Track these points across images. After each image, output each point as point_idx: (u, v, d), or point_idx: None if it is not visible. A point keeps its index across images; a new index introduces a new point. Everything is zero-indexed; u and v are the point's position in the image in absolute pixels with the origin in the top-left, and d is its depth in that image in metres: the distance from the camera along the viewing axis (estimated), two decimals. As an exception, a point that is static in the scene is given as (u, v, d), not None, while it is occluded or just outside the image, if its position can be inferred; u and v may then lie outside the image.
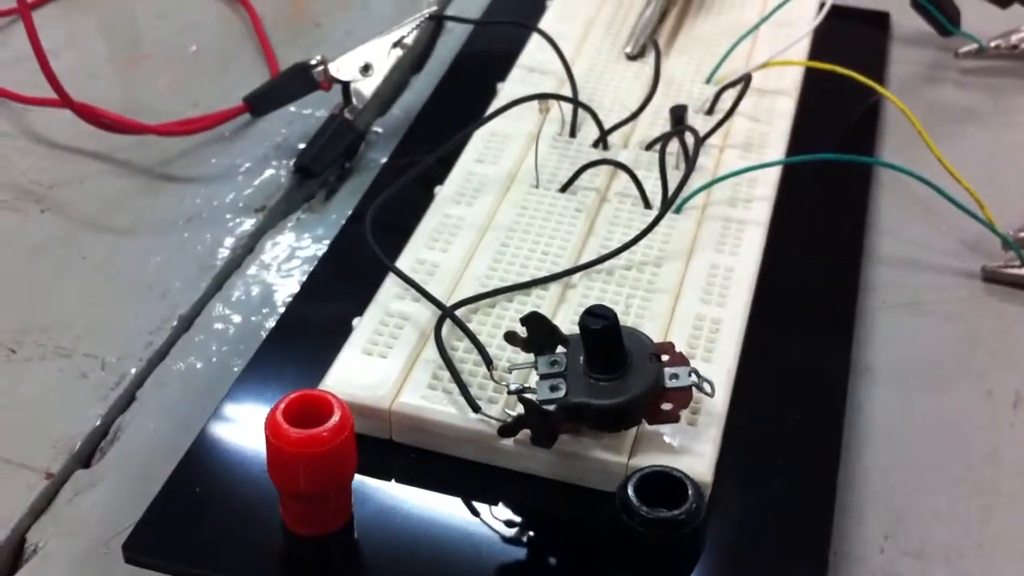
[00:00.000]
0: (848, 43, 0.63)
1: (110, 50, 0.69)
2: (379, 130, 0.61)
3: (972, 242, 0.53)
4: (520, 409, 0.39)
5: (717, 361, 0.43)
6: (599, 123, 0.54)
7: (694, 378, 0.39)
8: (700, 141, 0.50)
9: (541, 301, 0.46)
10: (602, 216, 0.50)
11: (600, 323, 0.38)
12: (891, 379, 0.47)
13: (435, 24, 0.69)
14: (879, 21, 0.67)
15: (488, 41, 0.66)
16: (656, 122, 0.55)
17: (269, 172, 0.58)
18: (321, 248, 0.53)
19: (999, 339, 0.49)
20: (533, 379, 0.40)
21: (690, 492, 0.35)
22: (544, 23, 0.63)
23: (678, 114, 0.52)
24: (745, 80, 0.55)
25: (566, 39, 0.61)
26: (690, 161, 0.50)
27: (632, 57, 0.61)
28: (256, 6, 0.70)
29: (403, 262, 0.48)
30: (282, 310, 0.49)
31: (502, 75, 0.60)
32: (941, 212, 0.52)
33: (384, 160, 0.58)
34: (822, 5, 0.60)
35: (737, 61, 0.59)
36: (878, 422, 0.46)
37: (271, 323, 0.49)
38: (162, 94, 0.64)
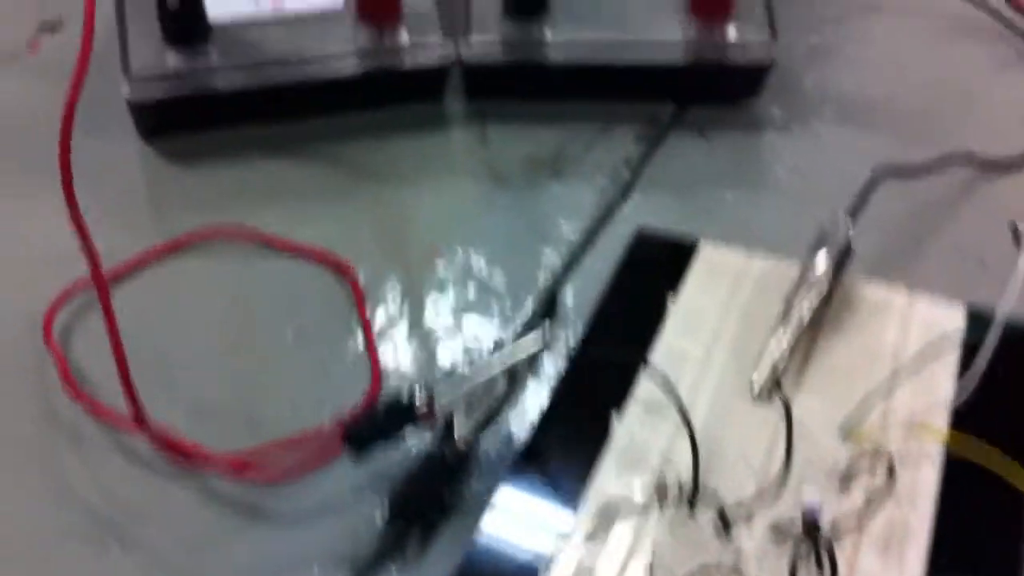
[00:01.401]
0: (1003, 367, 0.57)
1: (210, 328, 0.65)
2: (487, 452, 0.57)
3: None
4: None
5: None
6: (723, 517, 0.49)
7: None
8: (834, 558, 0.45)
9: None
10: (721, 635, 0.45)
11: None
12: None
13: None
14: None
15: (604, 347, 0.61)
16: (787, 487, 0.50)
17: (358, 512, 0.54)
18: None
19: None
20: None
21: None
22: (665, 338, 0.59)
23: (810, 520, 0.46)
24: (888, 467, 0.49)
25: (687, 361, 0.58)
26: (825, 585, 0.45)
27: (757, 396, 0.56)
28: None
29: None
30: None
31: (618, 399, 0.56)
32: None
33: (488, 497, 0.53)
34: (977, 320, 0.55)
35: (874, 399, 0.54)
36: None
37: None
38: (259, 393, 0.61)
